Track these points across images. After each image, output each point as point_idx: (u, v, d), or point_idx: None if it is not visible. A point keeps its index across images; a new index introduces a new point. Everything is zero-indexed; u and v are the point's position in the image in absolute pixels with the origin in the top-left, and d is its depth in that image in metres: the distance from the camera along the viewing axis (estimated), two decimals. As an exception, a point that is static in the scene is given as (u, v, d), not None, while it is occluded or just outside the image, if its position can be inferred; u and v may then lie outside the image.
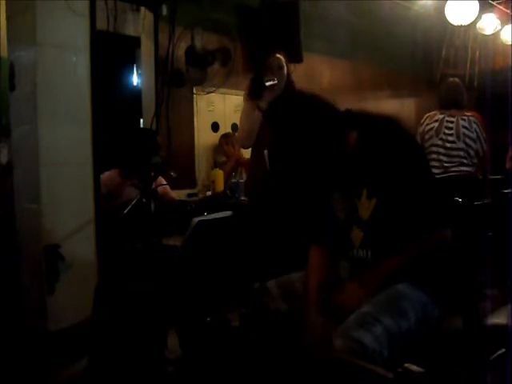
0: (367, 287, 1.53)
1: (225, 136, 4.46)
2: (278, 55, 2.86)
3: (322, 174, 1.73)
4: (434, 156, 3.63)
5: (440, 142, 3.65)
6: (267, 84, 2.70)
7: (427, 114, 3.82)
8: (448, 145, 3.63)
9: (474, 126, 3.68)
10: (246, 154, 4.51)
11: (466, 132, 3.64)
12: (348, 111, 1.66)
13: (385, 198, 1.56)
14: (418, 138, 3.69)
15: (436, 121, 3.70)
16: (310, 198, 1.82)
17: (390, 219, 1.56)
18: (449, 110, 3.72)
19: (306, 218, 1.86)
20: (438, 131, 3.67)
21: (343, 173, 1.67)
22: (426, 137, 3.70)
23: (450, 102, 3.75)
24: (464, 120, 3.67)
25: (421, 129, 3.77)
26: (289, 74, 2.82)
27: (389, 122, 1.64)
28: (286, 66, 2.85)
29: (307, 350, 1.43)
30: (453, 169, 3.60)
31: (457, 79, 3.97)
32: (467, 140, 3.64)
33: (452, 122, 3.67)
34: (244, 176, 4.11)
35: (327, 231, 1.75)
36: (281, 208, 2.53)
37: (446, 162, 3.60)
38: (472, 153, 3.65)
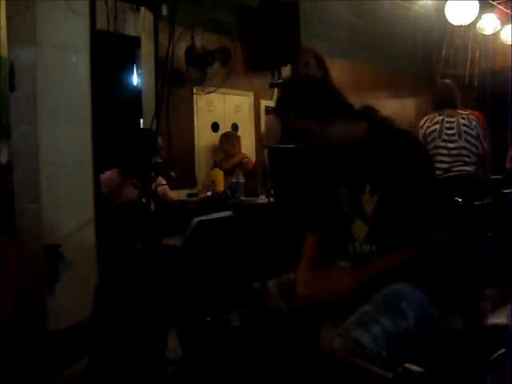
0: (357, 276, 1.53)
1: (225, 135, 4.46)
2: (305, 53, 2.83)
3: (329, 165, 1.75)
4: (439, 158, 3.63)
5: (443, 144, 3.65)
6: (275, 83, 2.68)
7: (426, 117, 3.82)
8: (450, 145, 3.63)
9: (474, 123, 3.68)
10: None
11: (467, 130, 3.65)
12: (364, 107, 1.68)
13: (387, 195, 1.56)
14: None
15: (436, 123, 3.71)
16: (316, 189, 1.83)
17: (391, 216, 1.56)
18: (445, 111, 3.72)
19: (309, 209, 1.87)
20: (440, 132, 3.67)
21: (349, 167, 1.68)
22: (429, 139, 3.69)
23: (443, 103, 3.76)
24: (464, 118, 3.68)
25: (421, 132, 3.77)
26: (326, 72, 2.75)
27: (394, 123, 1.66)
28: (319, 63, 2.80)
29: (308, 348, 1.43)
30: (455, 169, 3.59)
31: (448, 81, 3.99)
32: (468, 138, 3.64)
33: (452, 122, 3.68)
34: (241, 177, 4.11)
35: (330, 223, 1.77)
36: (285, 201, 2.52)
37: (448, 163, 3.60)
38: (474, 150, 3.65)
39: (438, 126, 3.69)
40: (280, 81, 2.72)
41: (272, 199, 2.87)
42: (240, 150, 4.43)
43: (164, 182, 2.99)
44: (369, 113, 1.69)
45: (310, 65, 2.77)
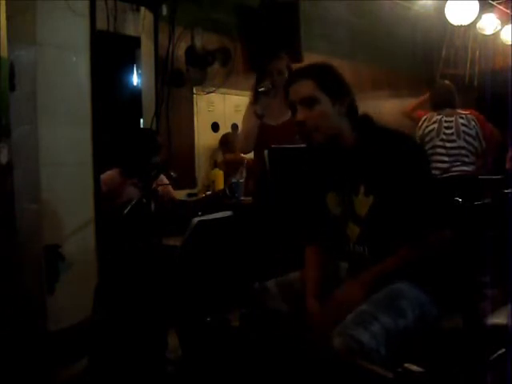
0: (365, 285, 1.53)
1: (226, 135, 4.46)
2: (280, 60, 2.84)
3: (322, 165, 1.74)
4: (437, 157, 3.63)
5: (441, 143, 3.65)
6: (260, 90, 2.70)
7: (424, 117, 3.82)
8: (448, 144, 3.64)
9: (473, 123, 3.69)
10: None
11: (466, 130, 3.66)
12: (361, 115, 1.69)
13: (382, 197, 1.56)
14: (418, 141, 3.70)
15: (434, 122, 3.71)
16: (304, 197, 1.82)
17: (387, 217, 1.56)
18: (443, 111, 3.72)
19: (301, 218, 1.86)
20: (438, 132, 3.68)
21: (340, 168, 1.68)
22: (427, 139, 3.70)
23: (441, 103, 3.77)
24: (462, 118, 3.69)
25: (420, 132, 3.78)
26: None
27: (391, 130, 1.66)
28: (289, 69, 2.82)
29: (307, 349, 1.43)
30: (454, 169, 3.60)
31: (447, 81, 4.00)
32: (467, 138, 3.65)
33: (451, 122, 3.68)
34: (245, 174, 4.10)
35: (322, 230, 1.76)
36: (279, 206, 2.53)
37: (447, 163, 3.61)
38: (473, 150, 3.66)
39: (435, 126, 3.70)
40: (263, 89, 2.72)
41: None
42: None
43: (166, 181, 2.99)
44: (365, 121, 1.69)
45: (283, 72, 2.79)
